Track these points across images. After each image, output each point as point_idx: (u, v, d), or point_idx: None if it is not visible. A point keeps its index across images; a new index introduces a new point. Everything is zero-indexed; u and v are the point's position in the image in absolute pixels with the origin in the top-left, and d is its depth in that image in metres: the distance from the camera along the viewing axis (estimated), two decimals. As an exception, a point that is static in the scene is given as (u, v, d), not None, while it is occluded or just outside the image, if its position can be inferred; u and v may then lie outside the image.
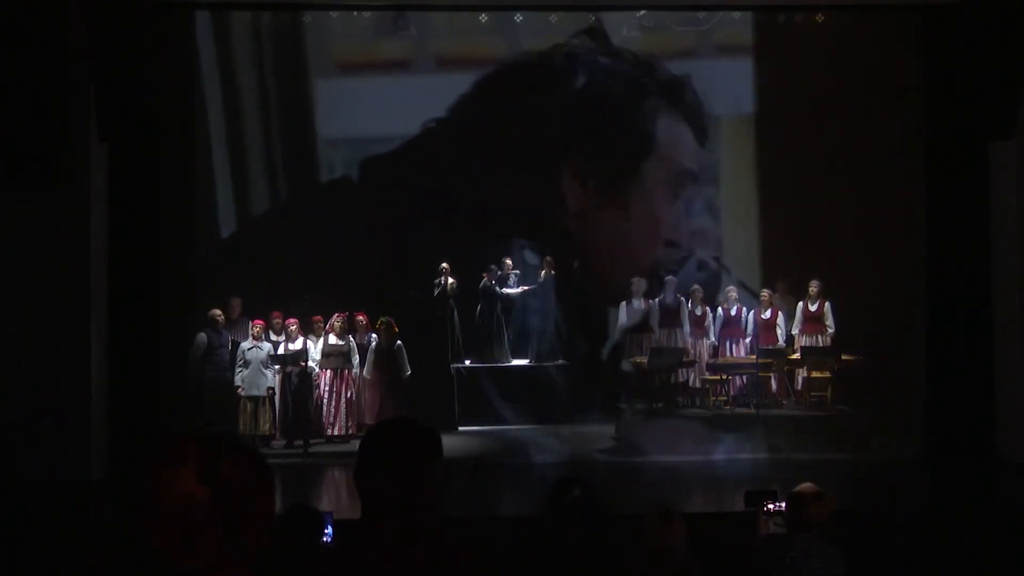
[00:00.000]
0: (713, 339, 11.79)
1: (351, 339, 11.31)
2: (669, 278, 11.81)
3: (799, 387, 11.64)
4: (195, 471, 1.62)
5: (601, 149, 11.78)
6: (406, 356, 11.26)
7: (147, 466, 1.65)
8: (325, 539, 4.55)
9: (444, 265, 11.67)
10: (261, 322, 11.20)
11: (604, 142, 11.75)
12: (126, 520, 1.72)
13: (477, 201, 11.53)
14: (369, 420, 11.10)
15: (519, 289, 11.84)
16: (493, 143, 11.65)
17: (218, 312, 11.08)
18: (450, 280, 11.68)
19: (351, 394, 11.28)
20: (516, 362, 11.86)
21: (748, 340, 11.72)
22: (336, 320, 11.24)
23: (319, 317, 11.27)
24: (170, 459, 1.63)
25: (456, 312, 11.77)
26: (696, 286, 11.81)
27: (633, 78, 11.79)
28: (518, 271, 11.86)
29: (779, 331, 11.70)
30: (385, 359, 11.20)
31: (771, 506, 5.00)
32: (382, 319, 11.27)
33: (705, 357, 11.76)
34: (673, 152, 11.82)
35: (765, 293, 11.71)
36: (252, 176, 11.80)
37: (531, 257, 11.91)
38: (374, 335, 11.34)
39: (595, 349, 11.88)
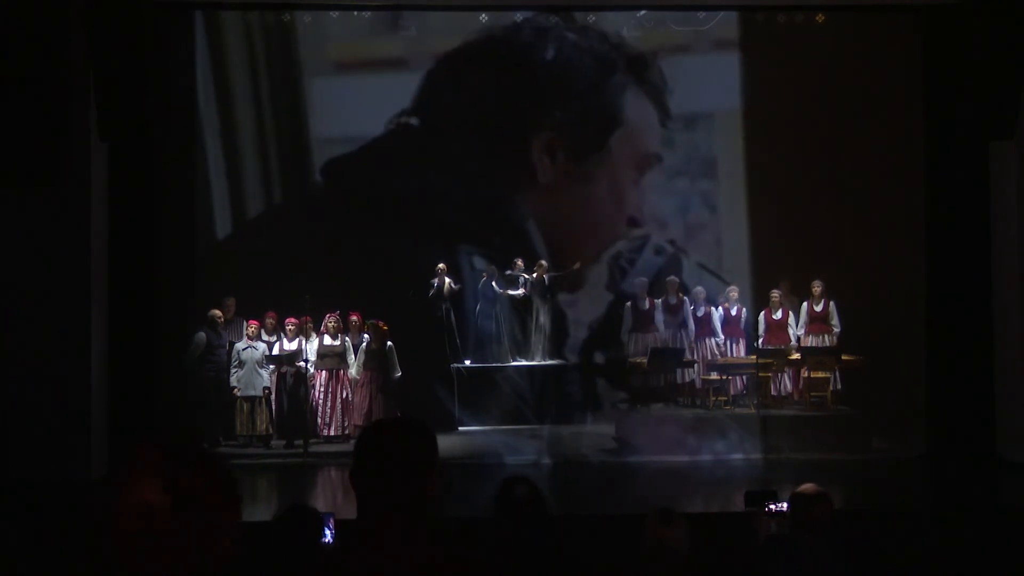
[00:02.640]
0: (719, 338, 11.77)
1: (346, 339, 11.30)
2: (671, 278, 11.81)
3: (800, 387, 11.63)
4: (157, 481, 1.61)
5: (570, 123, 11.76)
6: (396, 357, 11.23)
7: (110, 474, 1.64)
8: (326, 539, 4.55)
9: (441, 266, 11.65)
10: (256, 322, 11.19)
11: (573, 116, 11.75)
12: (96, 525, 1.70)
13: (445, 196, 11.52)
14: (358, 421, 11.07)
15: (520, 291, 11.82)
16: (465, 128, 11.62)
17: (218, 312, 11.08)
18: (447, 280, 11.67)
19: (346, 394, 11.27)
20: (516, 362, 11.85)
21: (760, 341, 11.67)
22: (329, 320, 11.21)
23: (308, 318, 11.25)
24: (132, 468, 1.63)
25: (452, 312, 11.76)
26: (699, 287, 11.81)
27: (601, 52, 11.79)
28: (526, 274, 11.82)
29: (791, 331, 11.68)
30: (375, 360, 11.18)
31: (772, 507, 5.01)
32: (368, 321, 11.25)
33: (708, 357, 11.75)
34: (639, 131, 11.82)
35: (775, 293, 11.68)
36: (249, 176, 11.79)
37: (479, 263, 11.89)
38: (367, 335, 11.32)
39: (595, 349, 11.87)
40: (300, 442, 10.99)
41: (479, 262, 11.88)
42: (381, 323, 11.22)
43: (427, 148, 11.68)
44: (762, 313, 11.72)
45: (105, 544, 1.60)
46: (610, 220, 11.92)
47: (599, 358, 11.85)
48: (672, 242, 12.03)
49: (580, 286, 11.98)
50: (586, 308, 11.99)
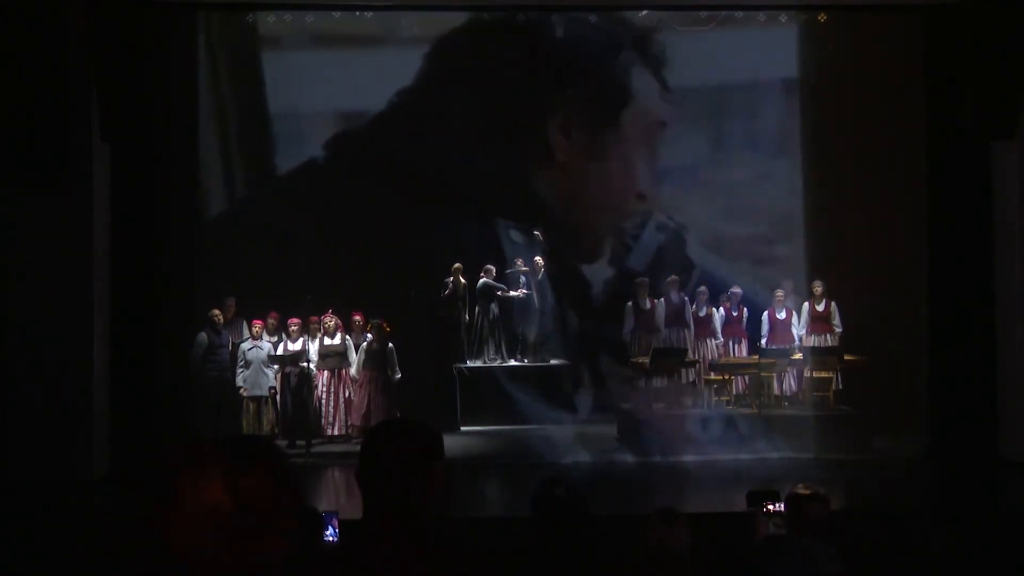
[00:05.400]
0: (719, 339, 11.76)
1: (348, 339, 11.31)
2: (672, 278, 11.80)
3: (802, 387, 11.63)
4: (219, 481, 1.60)
5: (583, 100, 11.76)
6: (396, 358, 11.24)
7: (168, 472, 1.63)
8: (330, 539, 4.55)
9: (457, 265, 11.63)
10: (260, 322, 11.20)
11: (586, 93, 11.75)
12: (141, 525, 1.67)
13: (464, 176, 11.51)
14: (356, 421, 11.07)
15: (520, 292, 11.81)
16: (477, 108, 11.58)
17: (217, 312, 11.09)
18: (462, 281, 11.66)
19: (349, 393, 11.28)
20: (517, 362, 11.85)
21: (763, 340, 11.66)
22: (328, 320, 11.22)
23: (315, 318, 11.26)
24: (193, 468, 1.62)
25: (465, 313, 11.76)
26: (703, 287, 11.80)
27: (608, 30, 11.80)
28: (526, 270, 11.81)
29: (794, 330, 11.67)
30: (376, 360, 11.19)
31: (770, 507, 5.01)
32: (372, 320, 11.27)
33: (709, 357, 11.75)
34: (647, 106, 11.83)
35: (780, 293, 11.68)
36: (251, 175, 11.80)
37: (516, 236, 11.92)
38: (369, 335, 11.32)
39: (597, 349, 11.87)
40: (303, 442, 11.01)
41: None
42: (384, 323, 11.24)
43: (437, 127, 11.60)
44: (766, 312, 11.72)
45: (165, 543, 1.59)
46: (621, 195, 11.95)
47: (601, 358, 11.80)
48: (671, 218, 12.03)
49: (596, 258, 11.98)
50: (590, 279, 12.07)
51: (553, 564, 3.58)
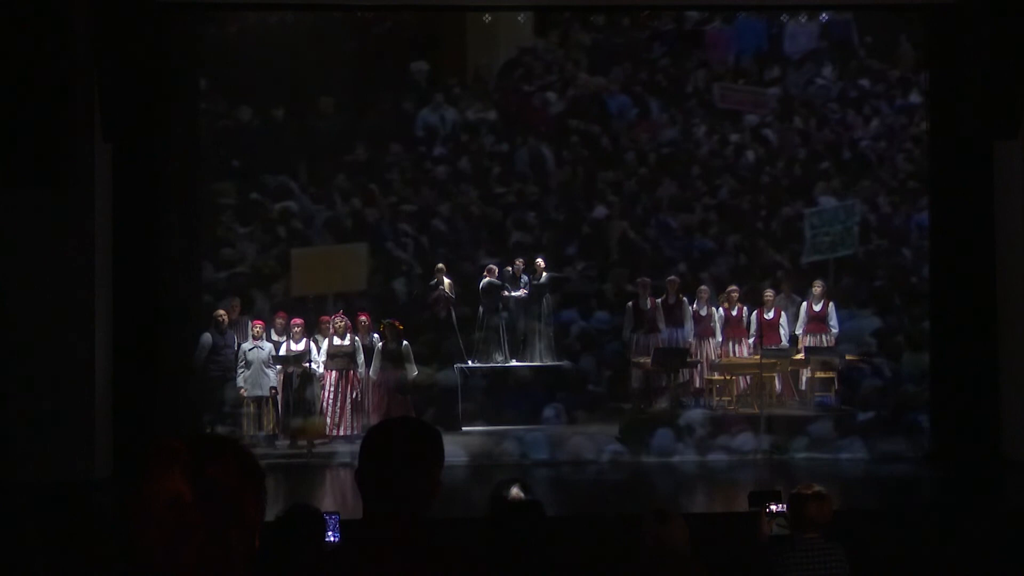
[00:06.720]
0: (718, 339, 11.78)
1: (356, 340, 11.29)
2: (672, 278, 11.81)
3: (803, 387, 11.63)
4: (181, 472, 1.61)
5: None
6: (413, 356, 11.23)
7: (136, 465, 1.64)
8: (332, 539, 4.56)
9: (440, 266, 11.66)
10: (260, 322, 11.20)
11: None
12: (121, 519, 1.69)
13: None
14: (375, 421, 11.04)
15: (521, 292, 11.81)
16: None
17: (221, 313, 11.10)
18: (446, 280, 11.67)
19: (356, 395, 11.26)
20: (518, 362, 11.85)
21: (752, 340, 11.69)
22: (337, 320, 11.21)
23: (326, 317, 11.26)
24: (158, 459, 1.63)
25: (454, 313, 11.77)
26: (703, 287, 11.81)
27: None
28: (527, 275, 11.83)
29: (782, 331, 11.68)
30: (392, 360, 11.19)
31: (773, 507, 5.02)
32: (383, 321, 11.26)
33: (710, 357, 11.75)
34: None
35: (769, 293, 11.70)
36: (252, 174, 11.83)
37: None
38: (376, 335, 11.32)
39: (598, 349, 11.88)
40: (304, 443, 11.00)
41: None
42: (397, 322, 11.23)
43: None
44: (754, 313, 11.74)
45: (133, 533, 1.60)
46: None
47: (602, 358, 11.82)
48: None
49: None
50: None
51: (509, 564, 3.59)
